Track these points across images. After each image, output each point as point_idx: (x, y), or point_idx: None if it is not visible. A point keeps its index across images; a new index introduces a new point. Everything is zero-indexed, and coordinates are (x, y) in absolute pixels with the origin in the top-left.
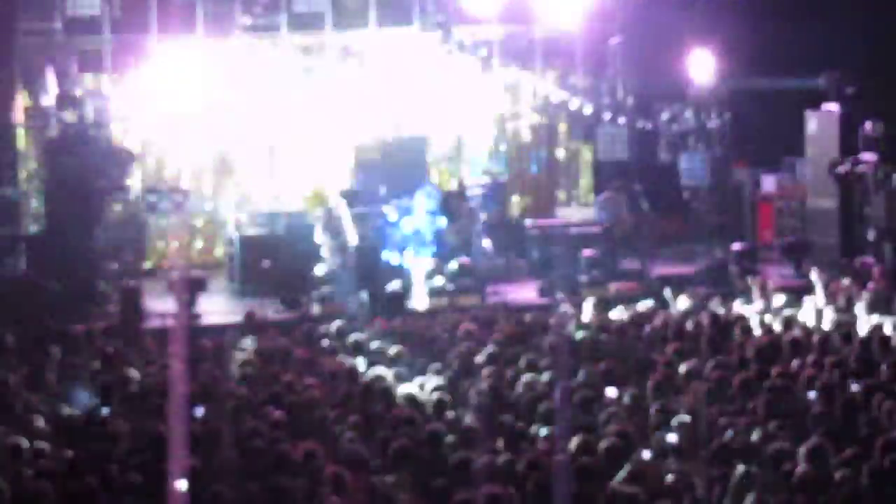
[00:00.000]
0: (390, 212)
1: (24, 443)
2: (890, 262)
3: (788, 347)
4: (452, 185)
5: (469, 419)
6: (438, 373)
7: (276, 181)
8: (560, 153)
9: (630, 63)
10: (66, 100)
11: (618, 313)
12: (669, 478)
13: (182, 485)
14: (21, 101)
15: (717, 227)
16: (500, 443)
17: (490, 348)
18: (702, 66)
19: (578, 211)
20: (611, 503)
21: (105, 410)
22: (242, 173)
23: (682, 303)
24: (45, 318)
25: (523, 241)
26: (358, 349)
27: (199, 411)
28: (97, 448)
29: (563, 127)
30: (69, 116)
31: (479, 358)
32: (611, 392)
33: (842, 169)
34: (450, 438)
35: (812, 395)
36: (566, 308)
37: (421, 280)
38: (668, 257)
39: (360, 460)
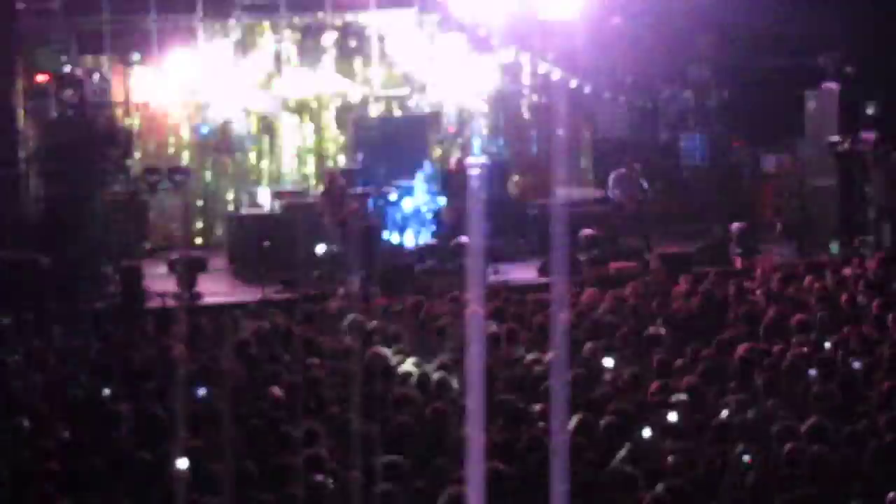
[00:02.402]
0: (390, 191)
1: (25, 423)
2: (889, 243)
3: (789, 325)
4: (452, 165)
5: (469, 398)
6: (439, 352)
7: (276, 160)
8: (560, 132)
9: (630, 43)
10: (65, 80)
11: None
12: (670, 458)
13: (183, 464)
14: (20, 81)
15: (717, 206)
16: (501, 422)
17: (490, 327)
18: (701, 46)
19: (578, 190)
20: (610, 483)
21: (106, 392)
22: (242, 153)
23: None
24: (46, 299)
25: (523, 221)
26: (357, 329)
27: (200, 391)
28: (98, 429)
29: (562, 106)
30: (68, 97)
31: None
32: (608, 362)
33: (841, 148)
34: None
35: (812, 372)
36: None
37: (421, 259)
38: (667, 236)
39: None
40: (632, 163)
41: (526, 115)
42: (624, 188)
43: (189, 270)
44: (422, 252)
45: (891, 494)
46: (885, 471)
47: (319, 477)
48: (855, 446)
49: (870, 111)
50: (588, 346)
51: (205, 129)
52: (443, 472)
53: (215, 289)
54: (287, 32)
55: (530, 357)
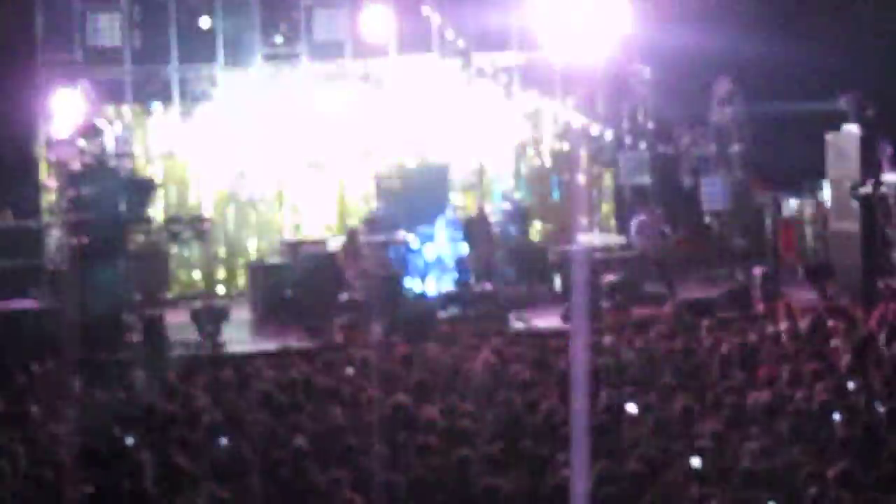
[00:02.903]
0: (412, 239)
1: (48, 473)
2: None
3: (811, 372)
4: (474, 212)
5: (493, 446)
6: (462, 399)
7: (298, 209)
8: (581, 179)
9: (650, 88)
10: (87, 130)
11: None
12: None
13: None
14: (42, 132)
15: (739, 251)
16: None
17: (512, 374)
18: (722, 91)
19: (600, 236)
20: None
21: (129, 441)
22: (264, 201)
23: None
24: (69, 349)
25: (545, 267)
26: (381, 376)
27: (223, 441)
28: (121, 478)
29: (584, 152)
30: (90, 147)
31: (502, 384)
32: (632, 409)
33: (863, 191)
34: (474, 465)
35: (836, 417)
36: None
37: (443, 306)
38: (690, 281)
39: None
40: (653, 208)
41: (547, 161)
42: (645, 234)
43: (212, 320)
44: (444, 299)
45: None
46: None
47: None
48: (882, 491)
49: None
50: (610, 392)
51: (227, 179)
52: None
53: (238, 338)
54: (309, 80)
55: (552, 403)
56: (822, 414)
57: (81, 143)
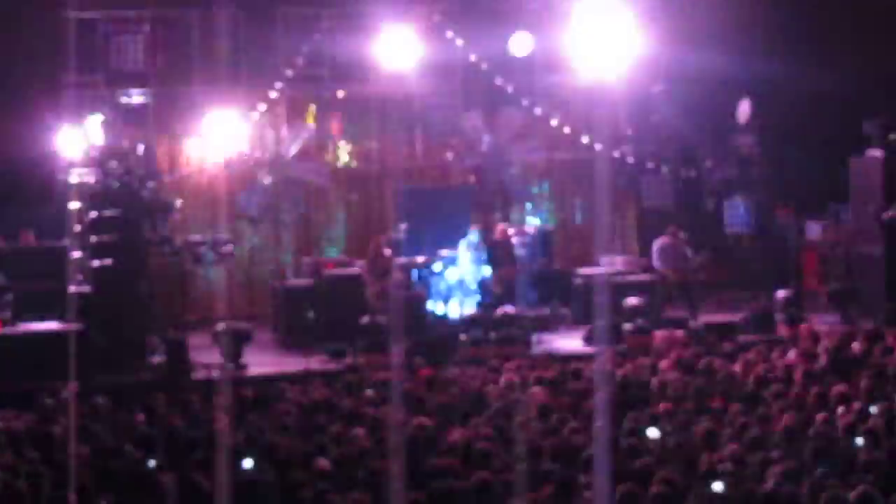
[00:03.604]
0: (435, 261)
1: (72, 495)
2: None
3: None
4: (497, 234)
5: (515, 468)
6: (485, 422)
7: (321, 230)
8: (604, 202)
9: (672, 110)
10: (110, 152)
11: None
12: None
13: None
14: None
15: (762, 275)
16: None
17: (534, 397)
18: (745, 114)
19: (622, 259)
20: None
21: (152, 463)
22: (287, 222)
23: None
24: (93, 371)
25: (568, 290)
26: (403, 399)
27: (246, 463)
28: (144, 500)
29: (605, 176)
30: (114, 168)
31: (524, 406)
32: (653, 433)
33: (887, 215)
34: (496, 488)
35: (859, 441)
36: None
37: (466, 329)
38: (713, 305)
39: None
40: (676, 231)
41: (570, 184)
42: (668, 257)
43: (234, 341)
44: (466, 322)
45: None
46: None
47: None
48: None
49: None
50: (632, 415)
51: (250, 200)
52: None
53: (260, 359)
54: (332, 102)
55: (574, 426)
56: (844, 438)
57: (105, 164)
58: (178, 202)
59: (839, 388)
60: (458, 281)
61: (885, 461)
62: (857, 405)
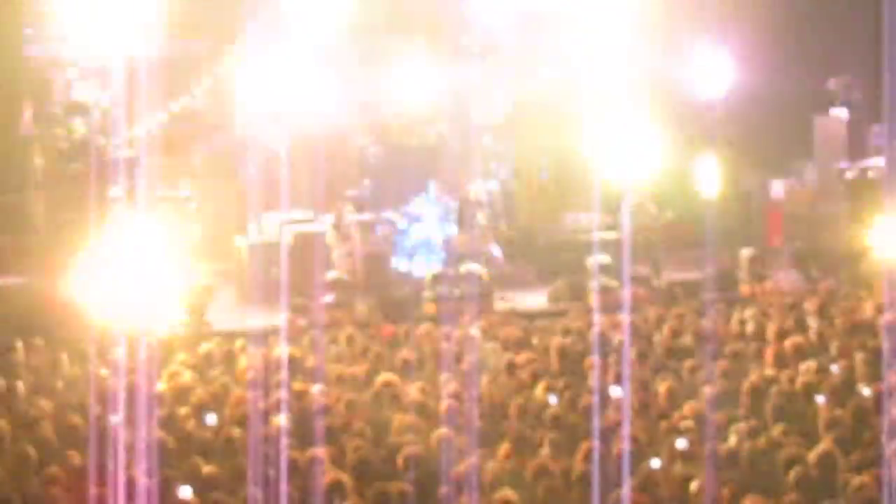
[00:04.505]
0: (399, 219)
1: (32, 450)
2: None
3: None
4: (461, 192)
5: (476, 425)
6: (447, 379)
7: (285, 187)
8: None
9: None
10: (74, 108)
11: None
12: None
13: (187, 491)
14: (29, 109)
15: (726, 233)
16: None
17: (499, 354)
18: (710, 73)
19: (587, 217)
20: None
21: (113, 418)
22: (251, 179)
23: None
24: (54, 326)
25: (532, 248)
26: (366, 355)
27: (209, 418)
28: (105, 455)
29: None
30: (77, 124)
31: (488, 364)
32: (616, 392)
33: (850, 174)
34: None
35: (820, 399)
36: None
37: (430, 286)
38: (676, 263)
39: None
40: (641, 190)
41: (534, 140)
42: (633, 214)
43: (197, 297)
44: (430, 280)
45: None
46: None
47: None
48: (864, 473)
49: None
50: (596, 373)
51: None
52: (448, 501)
53: (224, 316)
54: (300, 60)
55: (539, 384)
56: (805, 396)
57: (68, 120)
58: (143, 158)
59: (800, 345)
60: (422, 238)
61: (846, 419)
62: (817, 363)
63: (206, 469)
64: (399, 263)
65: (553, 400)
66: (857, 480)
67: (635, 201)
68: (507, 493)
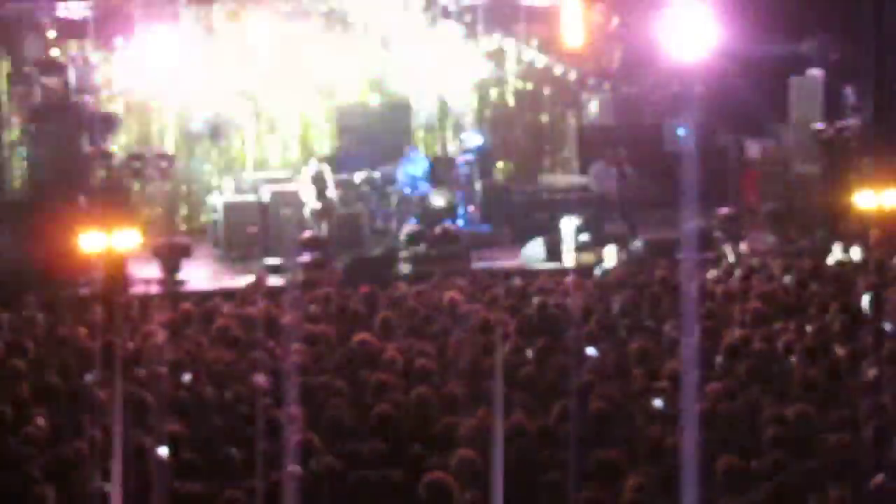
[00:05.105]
0: (376, 177)
1: (7, 410)
2: None
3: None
4: (437, 152)
5: (454, 385)
6: (423, 339)
7: (262, 147)
8: (544, 119)
9: (615, 28)
10: (49, 66)
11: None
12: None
13: (164, 450)
14: (4, 67)
15: (702, 193)
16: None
17: (475, 314)
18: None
19: (563, 177)
20: (596, 470)
21: (88, 377)
22: (227, 139)
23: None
24: (29, 285)
25: (509, 207)
26: (343, 314)
27: (185, 378)
28: (81, 415)
29: (547, 93)
30: (52, 82)
31: (464, 323)
32: (591, 351)
33: (826, 135)
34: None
35: (794, 359)
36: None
37: (407, 246)
38: (652, 223)
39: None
40: (616, 149)
41: (511, 101)
42: (609, 175)
43: (173, 256)
44: (407, 239)
45: (876, 478)
46: (868, 457)
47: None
48: (839, 433)
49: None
50: (571, 333)
51: (198, 124)
52: (423, 460)
53: (200, 275)
54: (272, 17)
55: (514, 344)
56: (782, 355)
57: (43, 78)
58: (119, 116)
59: (777, 305)
60: (399, 197)
61: (821, 380)
62: (794, 324)
63: (181, 428)
64: (375, 222)
65: (529, 359)
66: (833, 440)
67: (607, 159)
68: (467, 451)
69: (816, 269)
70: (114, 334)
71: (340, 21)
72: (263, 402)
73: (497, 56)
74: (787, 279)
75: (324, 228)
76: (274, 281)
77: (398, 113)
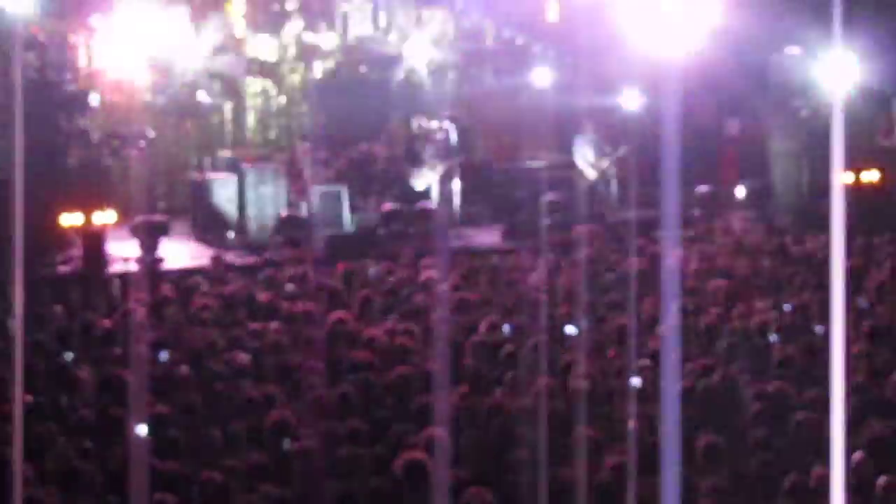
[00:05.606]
0: (354, 154)
1: None
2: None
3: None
4: (415, 129)
5: (432, 364)
6: (403, 317)
7: (239, 125)
8: (523, 97)
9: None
10: (27, 44)
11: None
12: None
13: (143, 430)
14: None
15: (681, 170)
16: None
17: (453, 292)
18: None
19: (541, 155)
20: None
21: (67, 356)
22: (205, 117)
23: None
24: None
25: (488, 185)
26: (321, 292)
27: (163, 356)
28: (59, 393)
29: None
30: (30, 61)
31: (443, 301)
32: (571, 329)
33: (805, 112)
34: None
35: (773, 337)
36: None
37: (385, 224)
38: (630, 200)
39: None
40: (596, 127)
41: (490, 79)
42: (587, 153)
43: (151, 235)
44: (386, 216)
45: (855, 454)
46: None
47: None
48: (817, 411)
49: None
50: (551, 311)
51: (168, 95)
52: (402, 438)
53: (178, 253)
54: None
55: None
56: (759, 334)
57: (22, 56)
58: (96, 96)
59: (756, 284)
60: (376, 174)
61: (799, 357)
62: (770, 301)
63: (161, 407)
64: (354, 200)
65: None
66: (810, 417)
67: (588, 138)
68: (435, 429)
69: (794, 246)
70: (92, 312)
71: None
72: (243, 380)
73: (475, 32)
74: (765, 257)
75: (302, 207)
76: (251, 259)
77: (377, 89)
